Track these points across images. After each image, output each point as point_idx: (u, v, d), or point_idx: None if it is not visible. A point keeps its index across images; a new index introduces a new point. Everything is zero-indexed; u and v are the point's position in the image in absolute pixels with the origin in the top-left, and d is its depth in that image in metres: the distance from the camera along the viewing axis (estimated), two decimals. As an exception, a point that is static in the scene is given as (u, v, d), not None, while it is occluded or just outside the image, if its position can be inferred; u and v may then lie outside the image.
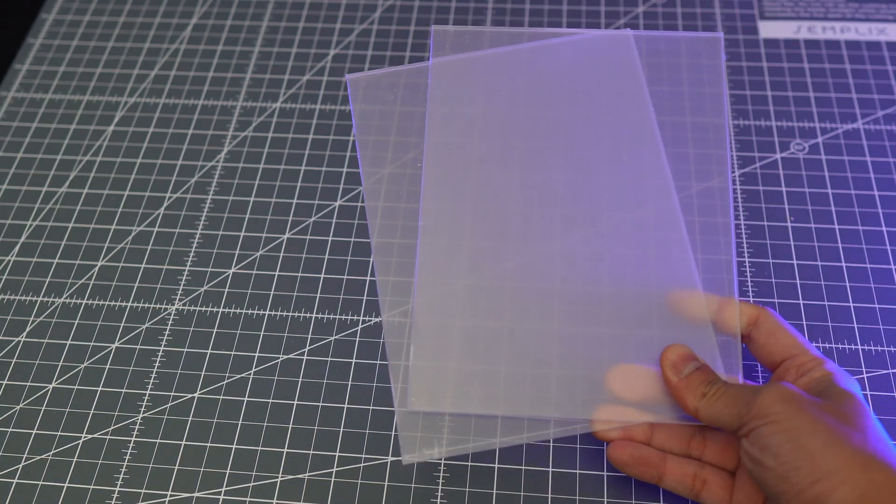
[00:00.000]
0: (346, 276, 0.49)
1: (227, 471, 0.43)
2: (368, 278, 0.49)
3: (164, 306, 0.48)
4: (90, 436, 0.44)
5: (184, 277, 0.50)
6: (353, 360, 0.46)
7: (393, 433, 0.43)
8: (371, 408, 0.44)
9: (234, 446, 0.43)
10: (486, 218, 0.45)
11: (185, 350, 0.47)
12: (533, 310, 0.43)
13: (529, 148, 0.47)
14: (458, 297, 0.43)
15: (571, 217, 0.45)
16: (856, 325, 0.46)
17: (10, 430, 0.44)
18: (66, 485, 0.43)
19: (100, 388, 0.46)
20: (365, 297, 0.48)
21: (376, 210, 0.46)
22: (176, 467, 0.43)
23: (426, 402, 0.41)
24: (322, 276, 0.49)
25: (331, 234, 0.51)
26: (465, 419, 0.42)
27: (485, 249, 0.44)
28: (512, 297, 0.43)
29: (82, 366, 0.46)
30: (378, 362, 0.46)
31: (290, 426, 0.44)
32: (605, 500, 0.41)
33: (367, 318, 0.48)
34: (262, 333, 0.47)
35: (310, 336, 0.47)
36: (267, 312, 0.48)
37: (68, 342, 0.47)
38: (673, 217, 0.45)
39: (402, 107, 0.48)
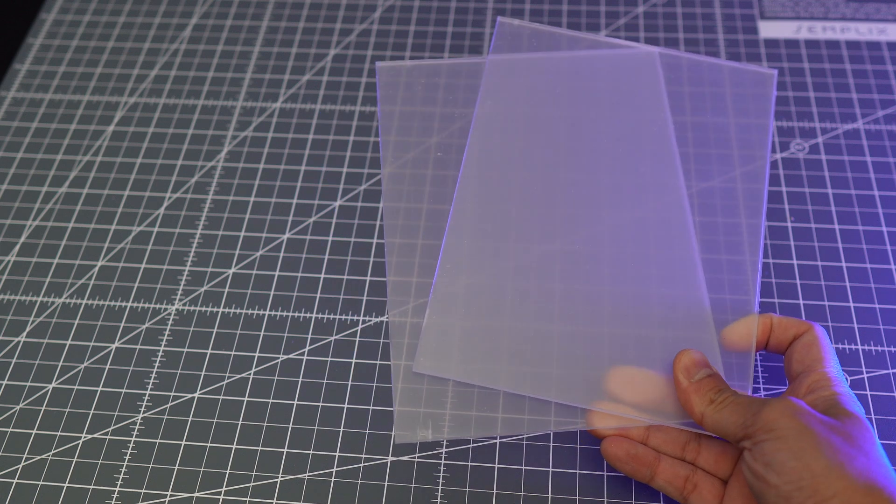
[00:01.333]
0: (346, 276, 0.49)
1: (227, 471, 0.43)
2: (368, 278, 0.49)
3: (164, 306, 0.48)
4: (90, 436, 0.44)
5: (184, 277, 0.50)
6: (353, 360, 0.46)
7: (392, 432, 0.43)
8: (371, 408, 0.44)
9: (234, 446, 0.43)
10: (510, 212, 0.48)
11: (185, 350, 0.47)
12: (536, 306, 0.44)
13: (558, 150, 0.50)
14: (476, 285, 0.45)
15: (582, 217, 0.47)
16: (856, 325, 0.46)
17: (10, 430, 0.44)
18: (66, 485, 0.43)
19: (100, 388, 0.46)
20: (365, 297, 0.48)
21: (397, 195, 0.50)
22: (176, 467, 0.43)
23: (432, 365, 0.43)
24: (322, 276, 0.49)
25: (331, 234, 0.51)
26: (464, 414, 0.42)
27: (499, 245, 0.47)
28: (523, 292, 0.45)
29: (82, 366, 0.46)
30: (378, 362, 0.46)
31: (290, 426, 0.44)
32: (605, 500, 0.41)
33: (367, 318, 0.48)
34: (262, 333, 0.47)
35: (310, 336, 0.47)
36: (267, 312, 0.48)
37: (68, 342, 0.47)
38: (682, 220, 0.46)
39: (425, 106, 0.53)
